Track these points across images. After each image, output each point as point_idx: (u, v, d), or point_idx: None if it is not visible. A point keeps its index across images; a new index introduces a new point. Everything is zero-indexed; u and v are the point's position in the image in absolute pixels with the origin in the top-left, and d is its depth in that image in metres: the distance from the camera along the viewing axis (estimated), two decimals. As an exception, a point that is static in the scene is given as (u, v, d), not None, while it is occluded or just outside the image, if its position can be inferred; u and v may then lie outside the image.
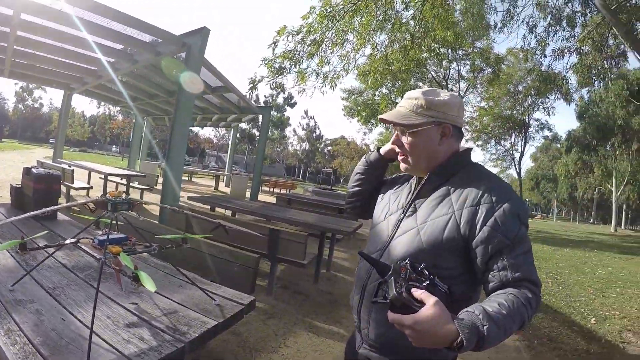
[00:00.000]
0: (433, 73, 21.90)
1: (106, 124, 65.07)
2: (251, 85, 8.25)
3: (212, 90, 11.66)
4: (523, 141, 27.19)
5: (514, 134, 27.20)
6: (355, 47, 7.97)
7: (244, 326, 3.58)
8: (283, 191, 22.51)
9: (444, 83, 22.20)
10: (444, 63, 20.77)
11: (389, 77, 11.41)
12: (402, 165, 1.42)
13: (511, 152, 28.50)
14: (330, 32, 7.50)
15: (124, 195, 1.90)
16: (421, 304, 0.96)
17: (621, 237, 24.82)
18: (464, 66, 22.06)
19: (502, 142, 28.34)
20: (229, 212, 8.25)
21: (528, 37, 10.59)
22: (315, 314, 4.46)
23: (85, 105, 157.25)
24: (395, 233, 1.36)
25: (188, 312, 1.89)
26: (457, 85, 22.90)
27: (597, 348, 4.66)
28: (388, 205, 1.51)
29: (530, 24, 10.39)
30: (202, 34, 6.88)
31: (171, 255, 2.66)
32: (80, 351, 1.39)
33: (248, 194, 15.34)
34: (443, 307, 0.96)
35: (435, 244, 1.22)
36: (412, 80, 20.10)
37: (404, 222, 1.35)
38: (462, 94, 23.08)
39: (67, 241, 1.86)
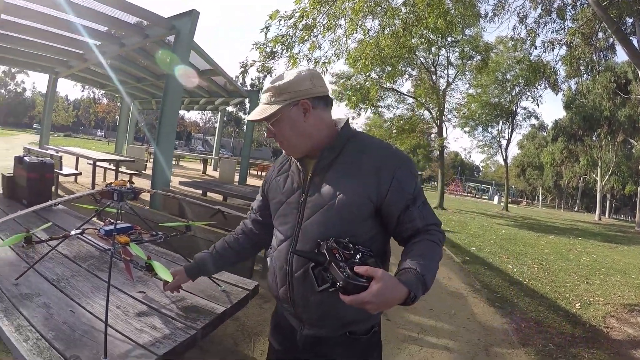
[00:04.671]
0: (422, 59, 21.80)
1: (91, 107, 63.93)
2: (243, 69, 8.16)
3: (200, 73, 11.50)
4: (510, 129, 27.23)
5: (501, 122, 27.18)
6: (347, 33, 7.92)
7: (241, 310, 3.59)
8: (271, 175, 22.30)
9: (433, 69, 22.15)
10: (433, 49, 20.52)
11: (378, 62, 11.36)
12: (284, 151, 1.50)
13: (498, 139, 28.50)
14: (322, 17, 7.45)
15: (128, 185, 1.87)
16: (367, 278, 1.04)
17: (605, 226, 25.22)
18: (453, 53, 22.00)
19: (490, 129, 28.27)
20: (219, 197, 8.16)
21: (518, 27, 10.53)
22: (310, 296, 4.47)
23: (68, 89, 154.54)
24: (303, 215, 1.38)
25: (196, 299, 1.88)
26: (445, 72, 22.85)
27: (581, 332, 4.76)
28: (279, 190, 1.52)
29: (521, 14, 10.33)
30: (192, 16, 6.77)
31: (170, 242, 2.66)
32: (96, 343, 1.38)
33: (236, 178, 15.19)
34: (388, 274, 1.07)
35: (350, 214, 1.30)
36: (401, 65, 19.99)
37: (309, 202, 1.38)
38: (450, 81, 23.06)
39: (73, 232, 1.83)
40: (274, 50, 7.62)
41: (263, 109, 1.36)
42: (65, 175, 9.05)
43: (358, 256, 1.12)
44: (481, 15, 10.38)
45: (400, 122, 24.10)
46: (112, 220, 1.92)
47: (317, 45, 7.91)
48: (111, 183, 1.88)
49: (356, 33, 8.14)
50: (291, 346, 1.51)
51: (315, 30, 7.56)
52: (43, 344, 1.34)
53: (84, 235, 1.85)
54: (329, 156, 1.37)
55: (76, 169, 10.23)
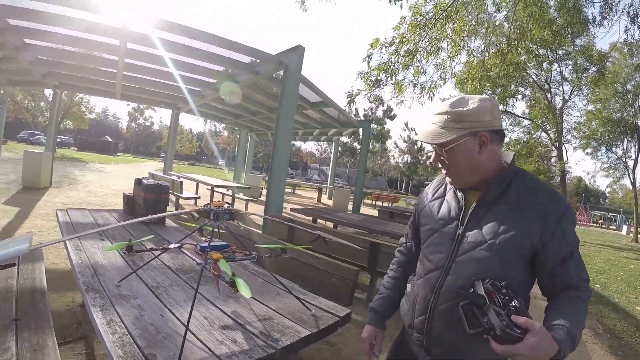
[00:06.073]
0: (534, 77, 20.64)
1: (212, 139, 69.33)
2: (349, 99, 8.37)
3: (312, 105, 12.05)
4: (637, 147, 24.13)
5: (625, 139, 24.26)
6: (450, 55, 7.80)
7: (338, 337, 3.57)
8: (385, 204, 22.21)
9: (547, 87, 20.83)
10: (545, 65, 19.43)
11: (488, 84, 10.91)
12: (448, 180, 1.42)
13: (624, 159, 25.47)
14: (424, 41, 7.41)
15: (226, 206, 2.03)
16: (523, 329, 1.02)
17: None
18: (566, 67, 20.49)
19: (614, 149, 25.40)
20: (330, 224, 8.31)
21: (631, 28, 9.54)
22: (413, 329, 4.34)
23: (192, 123, 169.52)
24: (458, 248, 1.32)
25: (283, 320, 1.92)
26: (560, 89, 21.35)
27: None
28: (433, 217, 1.45)
29: (631, 13, 9.34)
30: (298, 52, 7.15)
31: (271, 263, 2.74)
32: (175, 346, 1.50)
33: (350, 207, 15.53)
34: (545, 330, 1.04)
35: (510, 256, 1.24)
36: (513, 85, 19.03)
37: (468, 236, 1.31)
38: (566, 97, 21.48)
39: (171, 245, 2.03)
40: (378, 78, 7.70)
41: (438, 133, 1.31)
42: (185, 199, 10.01)
43: (513, 303, 1.08)
44: (589, 21, 9.58)
45: (517, 147, 22.56)
46: (213, 239, 2.09)
47: (422, 70, 7.92)
48: (210, 203, 2.04)
49: (460, 55, 8.02)
50: None
51: (417, 55, 7.53)
52: (127, 339, 1.51)
53: (181, 249, 2.03)
54: (496, 191, 1.31)
55: (196, 193, 11.16)
